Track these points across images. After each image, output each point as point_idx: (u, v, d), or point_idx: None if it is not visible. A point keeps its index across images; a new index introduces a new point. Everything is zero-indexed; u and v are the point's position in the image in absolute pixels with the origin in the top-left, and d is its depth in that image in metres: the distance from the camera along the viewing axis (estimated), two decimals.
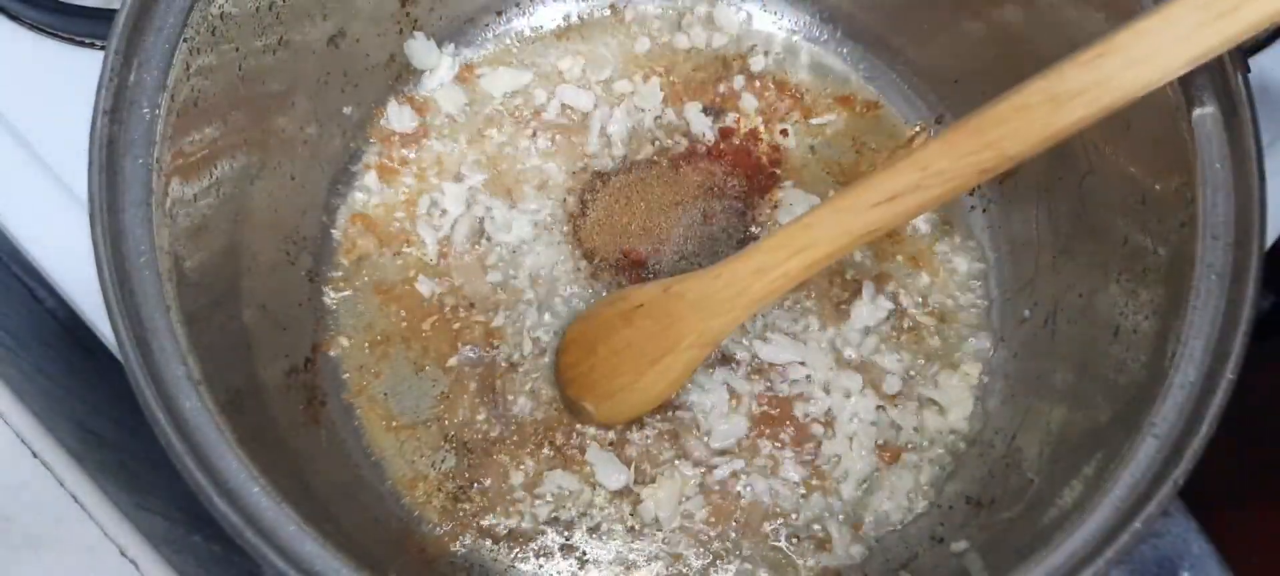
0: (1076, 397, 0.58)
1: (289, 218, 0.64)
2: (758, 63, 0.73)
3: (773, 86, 0.73)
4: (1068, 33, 0.58)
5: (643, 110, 0.72)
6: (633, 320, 0.61)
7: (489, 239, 0.68)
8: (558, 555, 0.63)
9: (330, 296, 0.67)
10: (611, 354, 0.61)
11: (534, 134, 0.71)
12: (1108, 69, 0.45)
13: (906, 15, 0.70)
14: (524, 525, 0.63)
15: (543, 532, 0.63)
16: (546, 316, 0.67)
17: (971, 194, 0.70)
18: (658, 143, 0.71)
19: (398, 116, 0.70)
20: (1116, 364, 0.54)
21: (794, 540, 0.63)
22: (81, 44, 0.70)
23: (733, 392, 0.65)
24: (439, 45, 0.71)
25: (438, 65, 0.71)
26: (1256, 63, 0.71)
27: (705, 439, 0.64)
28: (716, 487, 0.64)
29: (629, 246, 0.68)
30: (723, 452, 0.64)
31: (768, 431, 0.65)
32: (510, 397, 0.65)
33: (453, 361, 0.66)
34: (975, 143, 0.48)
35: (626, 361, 0.61)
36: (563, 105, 0.71)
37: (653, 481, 0.64)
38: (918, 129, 0.72)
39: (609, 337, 0.62)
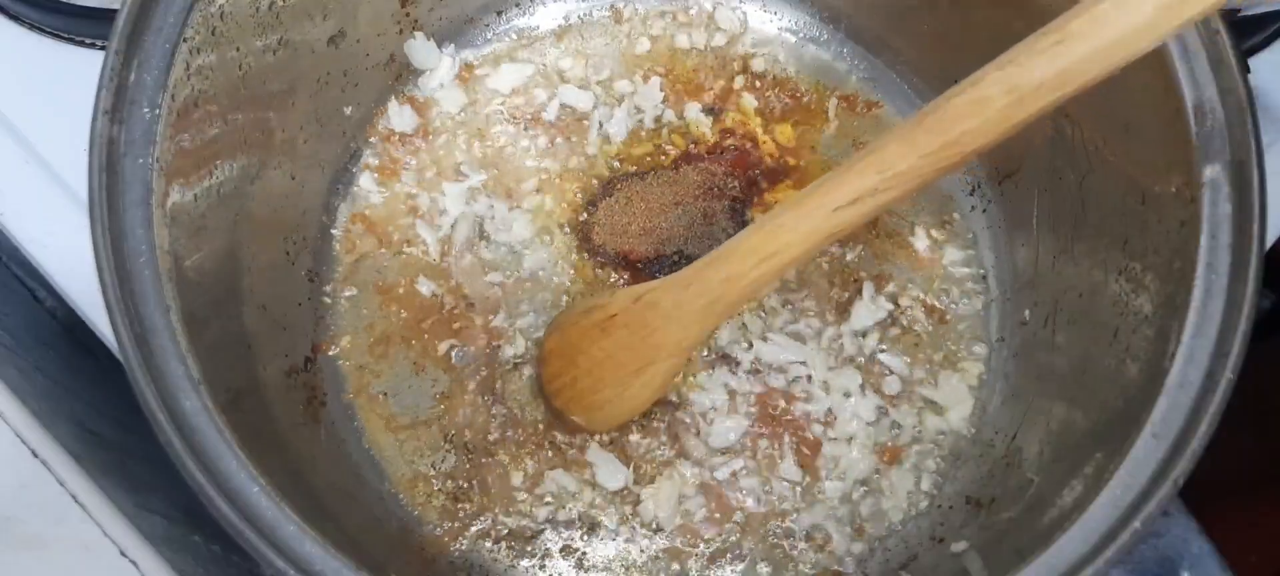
0: (1076, 397, 0.58)
1: (289, 218, 0.64)
2: (758, 63, 0.73)
3: (773, 86, 0.73)
4: None
5: (642, 110, 0.72)
6: (609, 331, 0.60)
7: (489, 239, 0.68)
8: (558, 555, 0.63)
9: (330, 296, 0.67)
10: (593, 365, 0.61)
11: (534, 134, 0.71)
12: (1067, 56, 0.43)
13: (906, 15, 0.70)
14: (524, 525, 0.63)
15: (543, 533, 0.63)
16: (546, 316, 0.67)
17: (972, 194, 0.70)
18: (657, 143, 0.71)
19: (398, 116, 0.70)
20: (1116, 364, 0.54)
21: (794, 540, 0.63)
22: (81, 44, 0.70)
23: (733, 392, 0.65)
24: (439, 45, 0.71)
25: (438, 65, 0.71)
26: (1256, 63, 0.71)
27: (705, 439, 0.64)
28: (716, 487, 0.64)
29: (629, 246, 0.68)
30: (723, 452, 0.64)
31: (768, 431, 0.65)
32: (510, 397, 0.65)
33: (453, 361, 0.66)
34: (935, 142, 0.47)
35: (609, 373, 0.61)
36: (563, 105, 0.71)
37: (653, 481, 0.64)
38: None
39: (588, 349, 0.61)
